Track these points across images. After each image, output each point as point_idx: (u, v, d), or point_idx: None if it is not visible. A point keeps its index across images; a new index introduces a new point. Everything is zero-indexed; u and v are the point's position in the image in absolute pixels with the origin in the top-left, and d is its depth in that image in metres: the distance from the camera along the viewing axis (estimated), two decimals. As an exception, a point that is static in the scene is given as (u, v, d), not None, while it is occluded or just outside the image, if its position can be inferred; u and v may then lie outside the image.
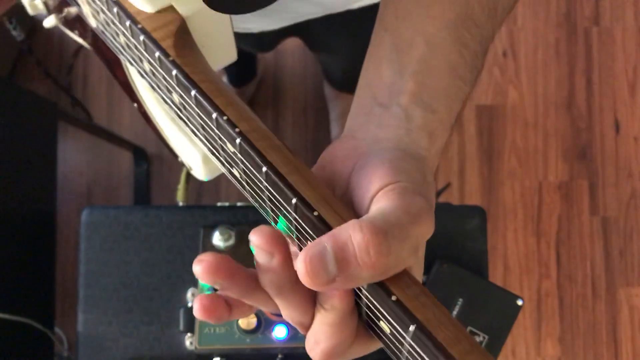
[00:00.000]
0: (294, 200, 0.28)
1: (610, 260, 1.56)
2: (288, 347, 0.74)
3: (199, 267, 0.28)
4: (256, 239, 0.28)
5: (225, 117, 0.30)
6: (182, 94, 0.33)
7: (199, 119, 0.32)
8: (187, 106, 0.33)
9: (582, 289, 1.54)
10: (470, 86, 0.38)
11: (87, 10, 0.44)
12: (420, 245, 0.29)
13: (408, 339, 0.25)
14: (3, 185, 1.08)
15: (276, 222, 0.32)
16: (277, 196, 0.29)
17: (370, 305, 0.27)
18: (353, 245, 0.26)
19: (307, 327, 0.31)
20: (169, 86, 0.34)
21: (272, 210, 0.31)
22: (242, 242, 0.79)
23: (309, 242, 0.29)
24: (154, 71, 0.36)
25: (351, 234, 0.26)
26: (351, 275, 0.26)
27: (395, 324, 0.26)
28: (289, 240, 0.29)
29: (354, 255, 0.25)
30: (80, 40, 0.52)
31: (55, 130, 1.24)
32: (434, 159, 0.35)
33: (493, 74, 1.64)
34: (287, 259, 0.28)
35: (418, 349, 0.25)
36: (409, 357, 0.26)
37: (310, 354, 0.31)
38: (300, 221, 0.29)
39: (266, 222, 0.32)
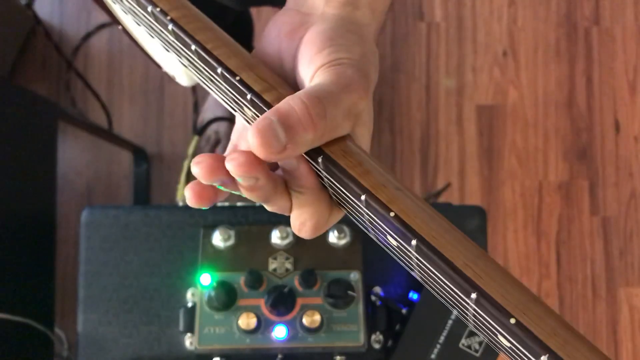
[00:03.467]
0: (219, 70, 0.31)
1: (610, 261, 1.56)
2: (288, 347, 0.74)
3: (198, 168, 0.31)
4: (236, 169, 0.30)
5: (158, 8, 0.33)
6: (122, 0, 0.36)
7: (144, 18, 0.36)
8: (133, 9, 0.36)
9: (582, 289, 1.54)
10: None
11: None
12: (357, 113, 0.33)
13: (362, 205, 0.30)
14: (3, 185, 1.08)
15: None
16: (209, 70, 0.32)
17: (328, 176, 0.31)
18: (296, 112, 0.29)
19: (290, 211, 0.35)
20: None
21: (221, 92, 0.35)
22: (242, 242, 0.79)
23: (245, 109, 0.33)
24: None
25: (291, 103, 0.29)
26: (298, 140, 0.29)
27: (349, 192, 0.30)
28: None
29: (298, 120, 0.29)
30: None
31: (55, 130, 1.24)
32: (375, 32, 0.38)
33: (493, 74, 1.64)
34: (270, 175, 0.31)
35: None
36: (368, 216, 0.30)
37: (300, 234, 0.35)
38: (231, 89, 0.32)
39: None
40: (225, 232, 0.78)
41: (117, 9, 0.49)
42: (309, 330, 0.73)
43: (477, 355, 0.75)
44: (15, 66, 1.62)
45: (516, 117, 1.62)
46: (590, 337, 1.52)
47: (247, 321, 0.73)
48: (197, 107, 1.63)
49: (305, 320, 0.73)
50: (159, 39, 0.37)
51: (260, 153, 0.28)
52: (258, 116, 0.32)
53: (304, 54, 0.34)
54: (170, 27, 0.33)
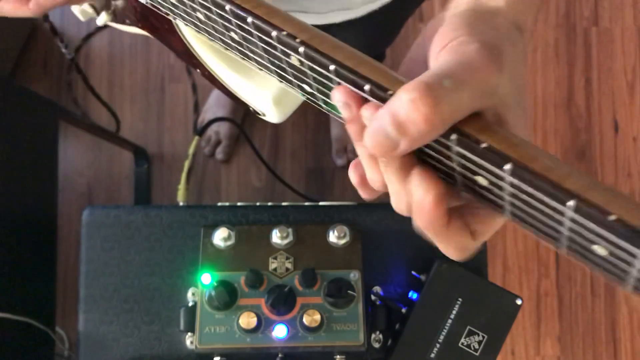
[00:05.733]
0: (367, 87, 0.30)
1: (609, 260, 1.56)
2: (288, 346, 0.74)
3: (338, 92, 0.31)
4: (366, 111, 0.30)
5: (284, 32, 0.32)
6: (241, 25, 0.35)
7: (261, 44, 0.35)
8: (247, 36, 0.35)
9: (581, 289, 1.55)
10: None
11: None
12: (492, 92, 0.30)
13: (508, 178, 0.26)
14: (3, 185, 1.08)
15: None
16: (354, 89, 0.31)
17: (464, 163, 0.28)
18: (403, 108, 0.27)
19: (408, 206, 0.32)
20: (226, 23, 0.37)
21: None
22: (243, 242, 0.79)
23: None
24: (209, 15, 0.38)
25: (400, 97, 0.27)
26: (412, 135, 0.27)
27: (491, 169, 0.27)
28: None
29: (406, 116, 0.27)
30: (133, 29, 0.53)
31: (56, 130, 1.24)
32: (510, 10, 0.35)
33: (492, 74, 1.65)
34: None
35: (520, 184, 0.26)
36: (513, 199, 0.27)
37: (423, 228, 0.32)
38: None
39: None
40: (225, 231, 0.78)
41: (207, 54, 0.48)
42: (309, 330, 0.73)
43: (477, 354, 0.75)
44: (16, 66, 1.62)
45: (515, 117, 1.63)
46: (589, 336, 1.52)
47: (247, 320, 0.73)
48: (197, 108, 1.63)
49: (306, 320, 0.73)
50: (273, 66, 0.36)
51: (376, 152, 0.29)
52: None
53: (431, 48, 0.33)
54: (301, 49, 0.31)
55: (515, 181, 0.26)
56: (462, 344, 0.75)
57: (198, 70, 0.52)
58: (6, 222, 1.08)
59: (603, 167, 1.60)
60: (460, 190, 0.31)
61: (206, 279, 0.76)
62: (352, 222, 0.80)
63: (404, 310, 0.78)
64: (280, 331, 0.74)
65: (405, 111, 0.27)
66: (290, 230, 0.79)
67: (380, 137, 0.28)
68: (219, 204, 0.86)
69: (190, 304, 0.78)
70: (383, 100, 0.29)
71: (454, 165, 0.29)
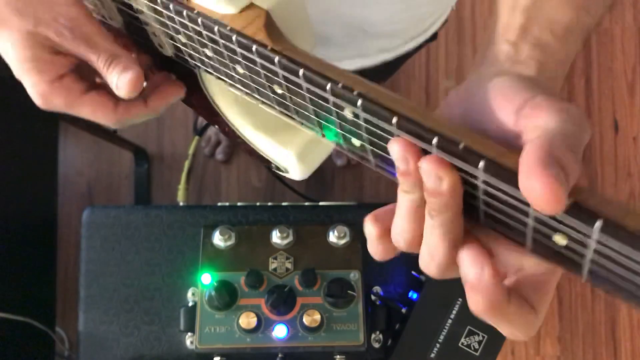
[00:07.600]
0: (434, 140, 0.28)
1: (609, 260, 1.56)
2: (288, 346, 0.74)
3: (396, 144, 0.29)
4: (427, 164, 0.28)
5: (340, 85, 0.31)
6: (288, 77, 0.34)
7: (309, 96, 0.34)
8: (293, 89, 0.35)
9: (581, 289, 1.55)
10: (593, 16, 0.37)
11: (161, 40, 0.45)
12: None
13: (595, 236, 0.25)
14: (4, 185, 1.08)
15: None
16: (422, 142, 0.29)
17: (544, 220, 0.27)
18: (573, 168, 0.26)
19: (442, 261, 0.32)
20: (270, 75, 0.36)
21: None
22: (243, 242, 0.79)
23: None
24: (250, 68, 0.37)
25: (565, 156, 0.26)
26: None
27: (578, 227, 0.25)
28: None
29: (573, 174, 0.26)
30: None
31: (56, 131, 1.24)
32: (546, 84, 0.34)
33: (492, 74, 1.65)
34: (457, 184, 0.28)
35: (608, 243, 0.24)
36: (598, 256, 0.26)
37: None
38: (454, 159, 0.29)
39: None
40: (225, 231, 0.78)
41: (231, 111, 0.48)
42: (309, 330, 0.73)
43: (477, 354, 0.75)
44: (16, 66, 1.62)
45: (515, 117, 1.63)
46: (589, 336, 1.53)
47: (247, 320, 0.73)
48: (197, 107, 1.63)
49: (306, 320, 0.73)
50: (318, 118, 0.35)
51: (546, 206, 0.25)
52: (489, 183, 0.28)
53: (484, 109, 0.32)
54: (359, 102, 0.30)
55: (604, 240, 0.24)
56: (462, 344, 0.75)
57: (216, 127, 0.51)
58: (6, 222, 1.08)
59: (603, 167, 1.60)
60: (529, 250, 0.29)
61: (206, 279, 0.76)
62: (352, 222, 0.80)
63: (404, 310, 0.78)
64: (280, 331, 0.74)
65: (574, 168, 0.26)
66: (290, 230, 0.79)
67: (561, 191, 0.25)
68: (219, 204, 0.86)
69: (190, 304, 0.78)
70: (453, 153, 0.28)
71: (529, 221, 0.27)
